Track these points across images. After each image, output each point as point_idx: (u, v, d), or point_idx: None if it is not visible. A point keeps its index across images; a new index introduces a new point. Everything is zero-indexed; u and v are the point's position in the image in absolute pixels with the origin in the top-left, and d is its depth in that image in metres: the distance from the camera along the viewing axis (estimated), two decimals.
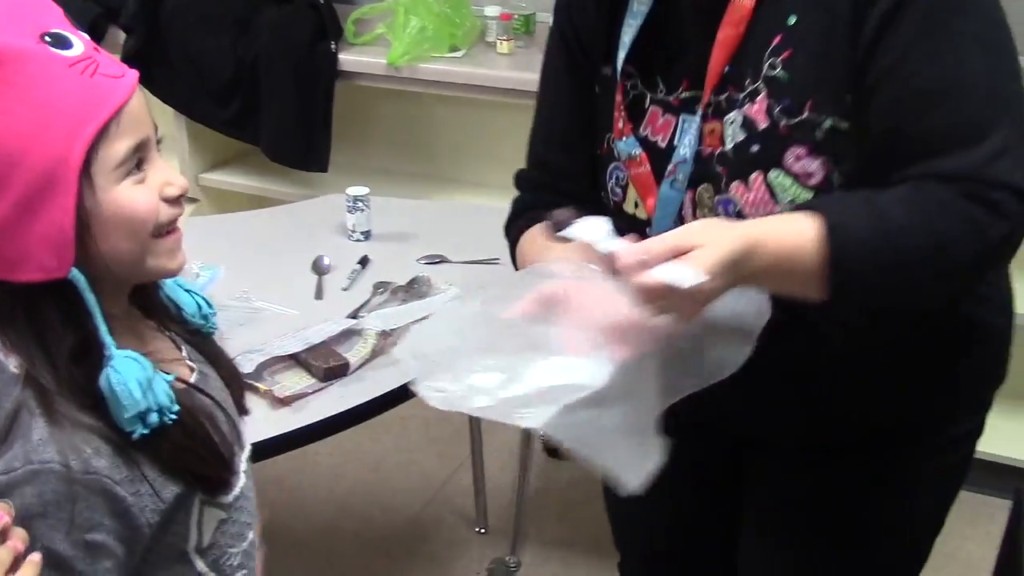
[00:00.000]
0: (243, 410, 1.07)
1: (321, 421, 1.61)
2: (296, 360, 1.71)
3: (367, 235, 2.20)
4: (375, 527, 2.51)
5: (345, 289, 2.00)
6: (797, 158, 1.08)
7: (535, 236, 1.25)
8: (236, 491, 1.00)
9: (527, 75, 2.73)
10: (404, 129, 3.22)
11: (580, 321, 1.04)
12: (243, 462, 1.03)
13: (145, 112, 0.91)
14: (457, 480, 2.53)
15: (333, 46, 2.88)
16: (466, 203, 2.92)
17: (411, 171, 3.20)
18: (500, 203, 3.29)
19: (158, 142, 0.93)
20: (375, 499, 2.60)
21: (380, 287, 1.98)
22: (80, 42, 0.87)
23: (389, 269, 2.06)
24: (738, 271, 0.97)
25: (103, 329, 0.88)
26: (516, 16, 2.93)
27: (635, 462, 1.02)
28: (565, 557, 2.41)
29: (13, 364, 0.88)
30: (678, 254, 0.95)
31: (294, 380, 1.67)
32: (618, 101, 1.19)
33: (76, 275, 0.86)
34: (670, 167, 1.15)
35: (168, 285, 1.02)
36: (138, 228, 0.88)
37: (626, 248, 0.96)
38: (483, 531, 2.46)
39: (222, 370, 1.06)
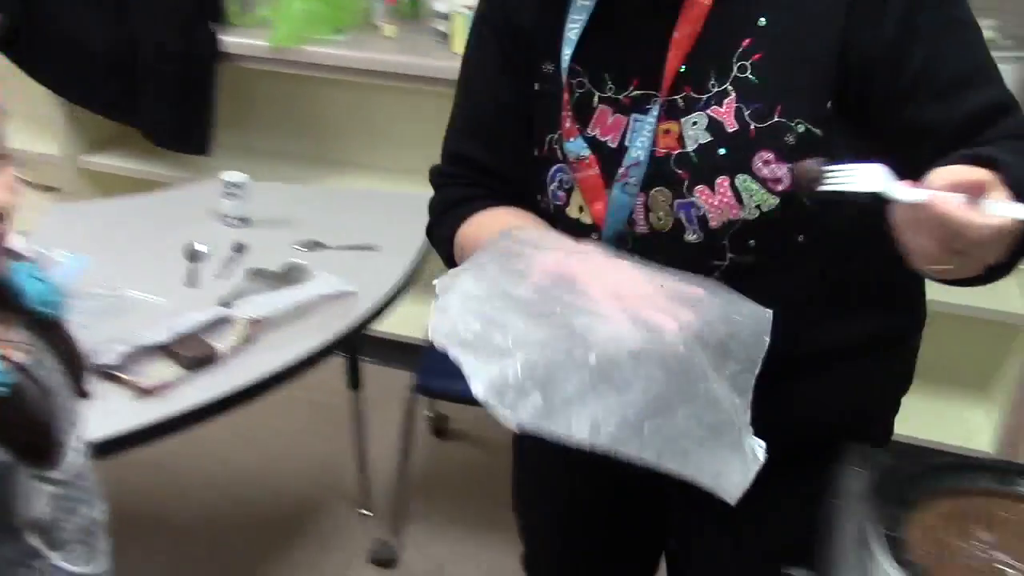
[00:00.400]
0: (82, 394, 1.09)
1: (187, 411, 1.60)
2: (163, 350, 1.70)
3: (244, 220, 2.18)
4: (259, 511, 2.51)
5: (219, 276, 1.99)
6: (765, 163, 1.05)
7: (485, 226, 1.20)
8: (67, 467, 1.02)
9: (412, 59, 2.74)
10: (290, 111, 3.19)
11: (612, 296, 0.99)
12: (76, 441, 1.05)
13: None
14: (343, 463, 2.54)
15: (214, 27, 2.84)
16: (346, 188, 2.92)
17: (298, 153, 3.18)
18: (385, 186, 3.32)
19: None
20: (260, 483, 2.59)
21: (254, 274, 1.97)
22: None
23: (265, 255, 2.05)
24: None
25: None
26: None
27: (727, 467, 0.96)
28: (451, 537, 2.44)
29: None
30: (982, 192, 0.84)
31: (160, 370, 1.66)
32: (565, 100, 1.14)
33: None
34: (622, 170, 1.11)
35: (15, 271, 1.02)
36: None
37: (932, 193, 0.84)
38: (368, 513, 2.47)
39: (62, 354, 1.07)
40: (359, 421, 2.41)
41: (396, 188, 2.92)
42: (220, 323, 1.78)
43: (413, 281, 2.08)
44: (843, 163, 0.94)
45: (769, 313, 1.01)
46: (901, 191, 0.85)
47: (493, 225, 1.18)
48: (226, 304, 1.85)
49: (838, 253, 1.11)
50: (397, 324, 2.50)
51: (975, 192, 0.82)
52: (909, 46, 1.02)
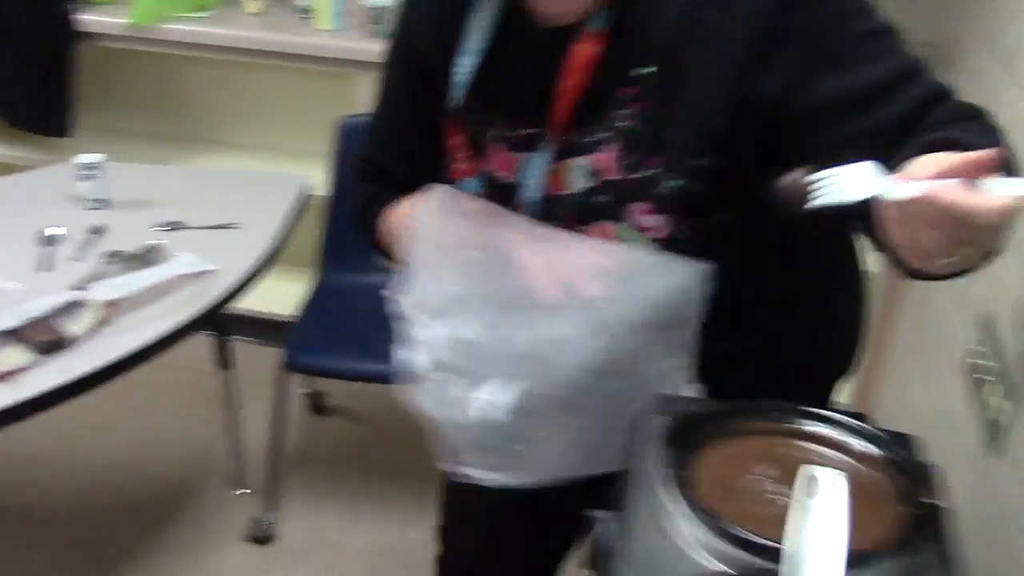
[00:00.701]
0: None
1: (38, 395, 1.59)
2: (14, 335, 1.68)
3: (102, 203, 2.16)
4: (132, 497, 2.49)
5: (75, 260, 1.96)
6: (642, 212, 1.07)
7: (405, 218, 1.25)
8: None
9: (276, 36, 2.72)
10: (154, 90, 3.14)
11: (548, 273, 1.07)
12: None
13: None
14: (218, 443, 2.54)
15: (71, 5, 2.78)
16: (207, 167, 2.90)
17: (163, 133, 3.13)
18: (252, 164, 3.28)
19: None
20: (132, 469, 2.57)
21: (110, 256, 1.95)
22: None
23: (124, 237, 2.04)
24: None
25: None
26: None
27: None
28: (329, 511, 2.47)
29: None
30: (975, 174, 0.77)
31: (10, 355, 1.64)
32: (460, 142, 1.16)
33: None
34: (517, 205, 1.14)
35: None
36: None
37: (931, 184, 0.76)
38: (244, 492, 2.48)
39: None
40: (231, 401, 2.41)
41: (263, 166, 2.92)
42: (74, 306, 1.77)
43: (276, 258, 2.09)
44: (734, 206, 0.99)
45: (695, 269, 1.02)
46: (898, 188, 0.78)
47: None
48: (81, 287, 1.83)
49: (730, 276, 1.12)
50: (265, 301, 2.51)
51: (968, 176, 0.75)
52: (816, 80, 0.99)
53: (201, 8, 2.83)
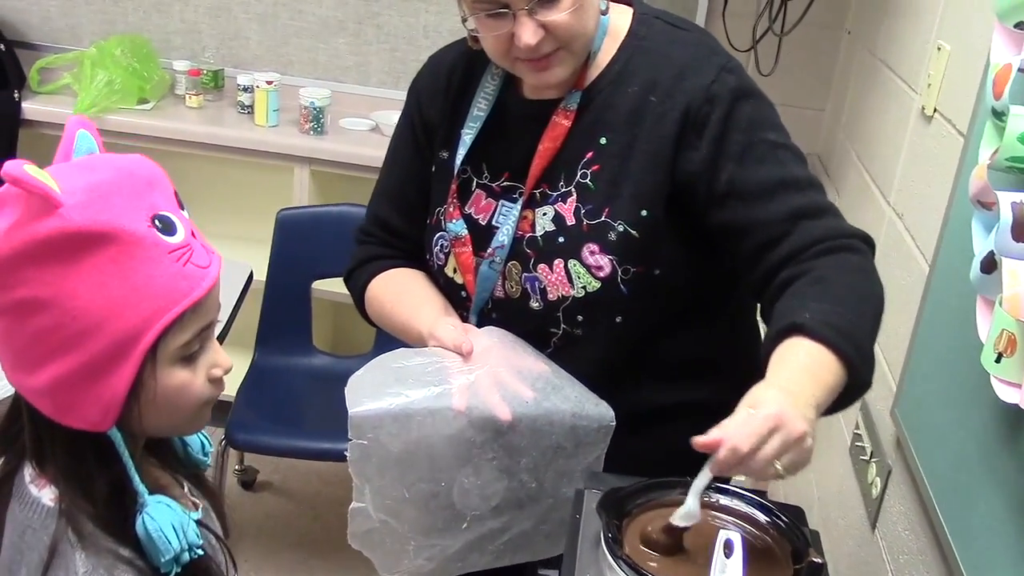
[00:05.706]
0: (227, 534, 1.13)
1: None
2: None
3: None
4: None
5: None
6: (591, 253, 1.31)
7: (389, 285, 1.48)
8: None
9: (216, 129, 2.90)
10: None
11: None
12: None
13: (216, 298, 0.98)
14: None
15: (16, 94, 2.90)
16: None
17: None
18: None
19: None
20: None
21: None
22: (182, 227, 0.95)
23: None
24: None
25: (136, 477, 0.95)
26: (205, 72, 3.08)
27: None
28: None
29: (48, 497, 0.95)
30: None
31: None
32: (452, 189, 1.40)
33: (114, 433, 0.94)
34: (490, 250, 1.37)
35: None
36: (182, 408, 0.97)
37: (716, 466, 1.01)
38: None
39: (214, 503, 1.12)
40: None
41: None
42: None
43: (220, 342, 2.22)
44: (662, 262, 1.28)
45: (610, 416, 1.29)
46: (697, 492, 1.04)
47: (394, 286, 1.47)
48: None
49: (652, 334, 1.36)
50: None
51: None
52: (720, 163, 1.26)
53: (144, 101, 2.98)
